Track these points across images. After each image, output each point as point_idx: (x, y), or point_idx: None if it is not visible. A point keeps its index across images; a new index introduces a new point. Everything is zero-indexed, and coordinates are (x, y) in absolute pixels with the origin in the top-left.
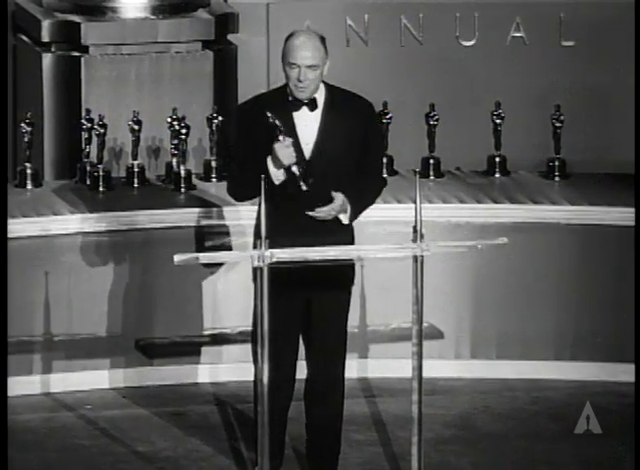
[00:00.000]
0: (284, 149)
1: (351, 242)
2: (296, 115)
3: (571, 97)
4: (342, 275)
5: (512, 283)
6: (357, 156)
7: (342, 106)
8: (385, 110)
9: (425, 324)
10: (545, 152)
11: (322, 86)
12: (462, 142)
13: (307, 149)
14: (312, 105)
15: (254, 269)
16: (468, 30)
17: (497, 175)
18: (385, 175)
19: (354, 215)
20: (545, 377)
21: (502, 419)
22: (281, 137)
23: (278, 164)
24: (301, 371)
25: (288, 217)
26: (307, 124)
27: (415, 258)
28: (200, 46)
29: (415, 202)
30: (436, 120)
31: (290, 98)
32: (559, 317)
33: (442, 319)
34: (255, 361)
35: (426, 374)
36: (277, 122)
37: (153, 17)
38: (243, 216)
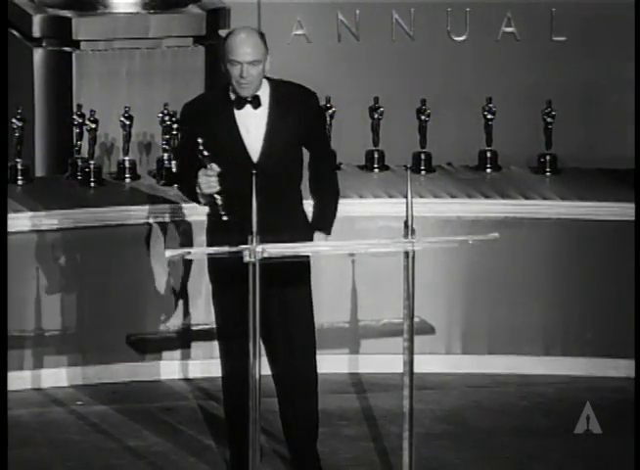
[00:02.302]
0: (205, 178)
1: (310, 239)
2: (238, 113)
3: (562, 92)
4: (299, 272)
5: (503, 278)
6: (306, 144)
7: (287, 100)
8: (376, 105)
9: (416, 319)
10: (536, 147)
11: (265, 83)
12: (453, 137)
13: (254, 149)
14: (256, 102)
15: (212, 268)
16: (459, 26)
17: (488, 170)
18: (336, 172)
19: (330, 228)
20: (535, 372)
21: (492, 414)
22: (208, 165)
23: (200, 189)
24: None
25: (240, 217)
26: (252, 122)
27: (406, 253)
28: (191, 41)
29: (406, 197)
30: (428, 116)
31: (232, 97)
32: (549, 313)
33: (433, 314)
34: (223, 357)
35: (417, 369)
36: (205, 153)
37: (144, 12)
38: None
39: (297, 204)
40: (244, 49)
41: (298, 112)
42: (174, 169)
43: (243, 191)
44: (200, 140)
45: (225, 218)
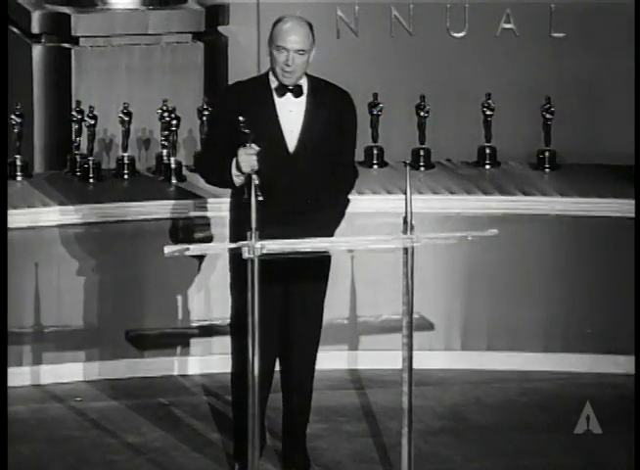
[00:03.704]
0: (246, 156)
1: (332, 235)
2: (279, 101)
3: (561, 88)
4: (320, 267)
5: (502, 274)
6: (335, 146)
7: (325, 95)
8: (375, 101)
9: (415, 315)
10: (535, 143)
11: (304, 76)
12: (452, 133)
13: (291, 137)
14: (297, 91)
15: (235, 264)
16: (458, 22)
17: (487, 166)
18: (356, 166)
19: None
20: (535, 369)
21: (492, 410)
22: (248, 144)
23: (238, 168)
24: None
25: (269, 210)
26: (292, 111)
27: (405, 249)
28: (190, 37)
29: (405, 193)
30: (427, 112)
31: (273, 85)
32: (549, 309)
33: (433, 311)
34: (236, 353)
35: (416, 365)
36: (246, 130)
37: (143, 8)
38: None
39: (335, 203)
40: (293, 37)
41: (335, 107)
42: (204, 155)
43: (276, 180)
44: (241, 118)
45: (260, 198)
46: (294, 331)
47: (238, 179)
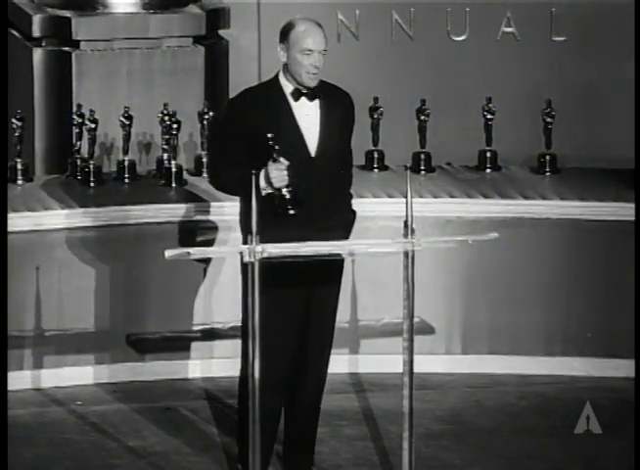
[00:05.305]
0: (277, 171)
1: (346, 238)
2: (295, 105)
3: (561, 92)
4: (336, 271)
5: (502, 278)
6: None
7: (334, 97)
8: (376, 105)
9: (416, 319)
10: (536, 147)
11: None
12: (453, 137)
13: (312, 141)
14: (311, 94)
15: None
16: (459, 25)
17: (488, 170)
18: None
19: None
20: (535, 372)
21: (492, 414)
22: (278, 159)
23: (268, 183)
24: None
25: (292, 215)
26: (308, 114)
27: (406, 253)
28: (191, 41)
29: (406, 197)
30: (427, 115)
31: (287, 89)
32: (549, 313)
33: (433, 314)
34: (245, 357)
35: (417, 369)
36: (276, 146)
37: (144, 12)
38: (232, 212)
39: (348, 203)
40: (319, 37)
41: (343, 109)
42: (219, 164)
43: (300, 185)
44: (269, 135)
45: (292, 212)
46: (309, 335)
47: (267, 190)
